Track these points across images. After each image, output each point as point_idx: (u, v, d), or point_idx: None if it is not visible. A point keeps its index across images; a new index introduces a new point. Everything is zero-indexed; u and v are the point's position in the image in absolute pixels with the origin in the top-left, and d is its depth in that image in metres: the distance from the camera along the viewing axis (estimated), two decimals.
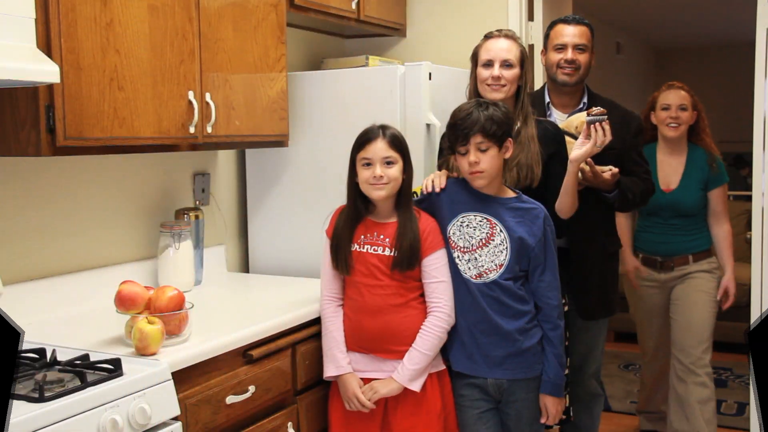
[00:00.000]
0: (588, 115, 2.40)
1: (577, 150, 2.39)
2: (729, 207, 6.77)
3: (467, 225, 2.30)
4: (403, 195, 2.29)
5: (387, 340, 2.27)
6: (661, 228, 3.46)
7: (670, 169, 3.43)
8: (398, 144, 2.27)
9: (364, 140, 2.27)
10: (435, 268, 2.28)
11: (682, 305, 3.40)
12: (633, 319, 3.74)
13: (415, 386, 2.25)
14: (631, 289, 3.65)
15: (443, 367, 2.35)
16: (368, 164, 2.25)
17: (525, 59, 2.55)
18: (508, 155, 2.29)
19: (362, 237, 2.30)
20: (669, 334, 3.48)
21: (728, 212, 3.49)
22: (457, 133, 2.25)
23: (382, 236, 2.28)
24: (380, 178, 2.23)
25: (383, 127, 2.28)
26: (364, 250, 2.29)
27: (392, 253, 2.26)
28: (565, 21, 2.89)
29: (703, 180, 3.43)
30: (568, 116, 2.90)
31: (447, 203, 2.33)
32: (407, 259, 2.25)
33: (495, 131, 2.21)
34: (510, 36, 2.56)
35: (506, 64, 2.50)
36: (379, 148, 2.24)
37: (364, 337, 2.30)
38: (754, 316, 3.47)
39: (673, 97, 3.41)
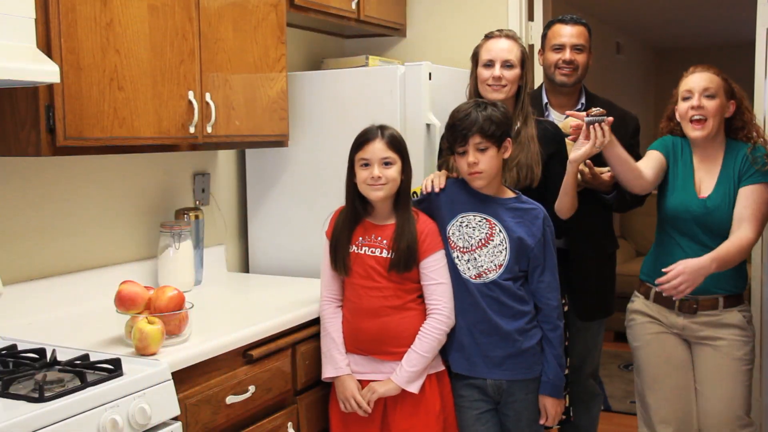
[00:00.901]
0: (587, 115, 2.34)
1: (576, 150, 2.38)
2: None
3: (466, 225, 2.30)
4: (401, 196, 2.29)
5: (385, 341, 2.27)
6: (686, 249, 2.50)
7: (702, 173, 2.57)
8: (397, 144, 2.27)
9: (362, 141, 2.27)
10: (434, 269, 2.28)
11: (711, 377, 2.55)
12: (636, 383, 2.78)
13: (413, 388, 2.25)
14: (635, 335, 2.67)
15: (442, 367, 2.34)
16: (366, 165, 2.25)
17: (525, 59, 2.55)
18: (506, 155, 2.29)
19: (360, 239, 2.30)
20: (692, 402, 2.61)
21: (762, 222, 2.48)
22: (455, 134, 2.24)
23: (379, 238, 2.28)
24: (378, 179, 2.23)
25: (382, 128, 2.28)
26: (362, 252, 2.29)
27: (389, 255, 2.25)
28: (563, 21, 2.89)
29: None
30: (566, 117, 2.90)
31: (446, 203, 2.33)
32: (404, 261, 2.24)
33: (494, 132, 2.21)
34: (511, 36, 2.56)
35: (507, 65, 2.50)
36: (378, 148, 2.24)
37: (363, 338, 2.30)
38: (755, 316, 3.47)
39: (697, 80, 2.49)
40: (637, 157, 2.90)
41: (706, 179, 2.55)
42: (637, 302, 2.67)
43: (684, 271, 2.31)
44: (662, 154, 2.62)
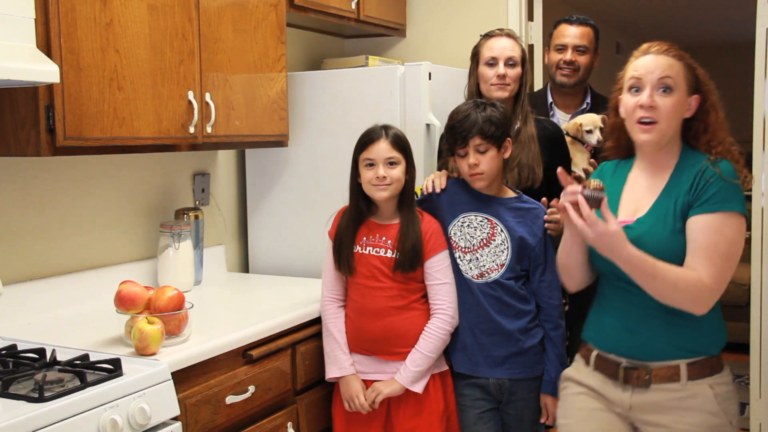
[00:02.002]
0: (584, 188, 1.77)
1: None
2: None
3: (468, 225, 2.30)
4: (405, 196, 2.29)
5: (389, 341, 2.27)
6: (626, 297, 1.87)
7: (642, 190, 1.92)
8: (401, 144, 2.27)
9: (366, 141, 2.27)
10: (438, 270, 2.28)
11: None
12: None
13: (417, 387, 2.25)
14: (565, 409, 2.03)
15: (446, 367, 2.34)
16: (371, 165, 2.25)
17: (526, 59, 2.55)
18: (507, 155, 2.29)
19: (364, 239, 2.30)
20: None
21: (720, 267, 1.75)
22: (455, 136, 2.24)
23: (384, 238, 2.28)
24: (383, 179, 2.23)
25: (386, 128, 2.28)
26: (366, 252, 2.29)
27: (394, 255, 2.25)
28: (568, 21, 2.89)
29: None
30: (572, 117, 2.89)
31: (447, 204, 2.33)
32: (409, 261, 2.24)
33: (493, 132, 2.21)
34: (511, 35, 2.55)
35: (510, 63, 2.49)
36: (382, 148, 2.24)
37: (367, 338, 2.29)
38: (754, 316, 3.48)
39: (651, 65, 1.85)
40: None
41: (645, 197, 1.89)
42: (574, 367, 2.03)
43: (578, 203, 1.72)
44: None
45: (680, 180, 1.83)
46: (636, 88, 1.85)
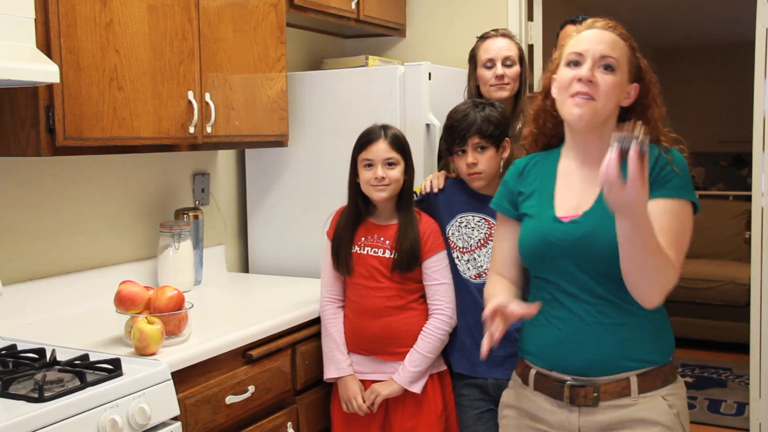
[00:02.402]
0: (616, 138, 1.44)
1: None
2: (727, 208, 6.64)
3: (466, 225, 2.30)
4: (404, 196, 2.29)
5: (387, 342, 2.27)
6: (569, 305, 1.70)
7: (580, 183, 1.74)
8: (400, 145, 2.27)
9: (365, 141, 2.27)
10: (436, 270, 2.28)
11: None
12: None
13: (416, 388, 2.25)
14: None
15: (444, 367, 2.34)
16: (370, 165, 2.25)
17: (523, 57, 2.55)
18: (506, 155, 2.29)
19: (363, 239, 2.30)
20: None
21: (681, 253, 1.61)
22: (454, 135, 2.25)
23: (382, 238, 2.28)
24: (382, 180, 2.23)
25: (385, 128, 2.28)
26: (365, 252, 2.29)
27: (392, 255, 2.25)
28: (574, 22, 2.89)
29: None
30: None
31: (445, 204, 2.33)
32: (407, 261, 2.24)
33: (492, 132, 2.22)
34: (507, 35, 2.56)
35: (507, 62, 2.49)
36: (381, 149, 2.24)
37: (365, 338, 2.29)
38: (754, 316, 3.48)
39: (594, 39, 1.67)
40: None
41: (586, 190, 1.70)
42: (512, 388, 1.85)
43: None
44: (510, 217, 1.84)
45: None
46: (576, 62, 1.66)
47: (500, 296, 1.69)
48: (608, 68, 1.64)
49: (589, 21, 1.72)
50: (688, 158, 1.70)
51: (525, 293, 1.85)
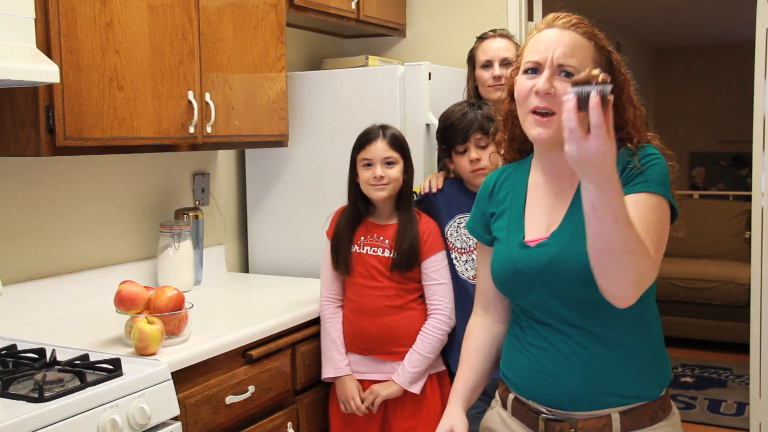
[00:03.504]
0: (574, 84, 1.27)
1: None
2: (727, 208, 6.62)
3: (464, 226, 2.30)
4: (403, 195, 2.29)
5: (386, 341, 2.27)
6: (548, 336, 1.54)
7: (551, 200, 1.56)
8: (399, 144, 2.27)
9: (364, 140, 2.27)
10: (435, 270, 2.28)
11: None
12: None
13: (415, 388, 2.25)
14: None
15: (443, 368, 2.35)
16: (369, 165, 2.25)
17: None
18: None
19: (362, 238, 2.30)
20: None
21: (659, 247, 1.40)
22: (455, 133, 2.25)
23: (381, 238, 2.28)
24: (381, 179, 2.23)
25: (384, 128, 2.28)
26: (364, 252, 2.29)
27: (391, 255, 2.26)
28: None
29: None
30: None
31: (444, 204, 2.34)
32: (406, 260, 2.24)
33: (491, 128, 2.24)
34: (505, 35, 2.56)
35: (505, 63, 2.50)
36: (380, 148, 2.24)
37: (364, 338, 2.30)
38: (754, 316, 3.48)
39: (553, 41, 1.49)
40: None
41: (556, 207, 1.54)
42: (494, 409, 1.73)
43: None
44: (484, 243, 1.69)
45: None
46: (533, 69, 1.49)
47: (452, 412, 1.70)
48: (569, 76, 1.45)
49: (550, 17, 1.54)
50: (671, 159, 1.51)
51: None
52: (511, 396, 1.62)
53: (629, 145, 1.50)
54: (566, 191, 1.51)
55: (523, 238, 1.55)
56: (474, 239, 2.25)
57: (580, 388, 1.49)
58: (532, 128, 1.49)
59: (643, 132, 1.53)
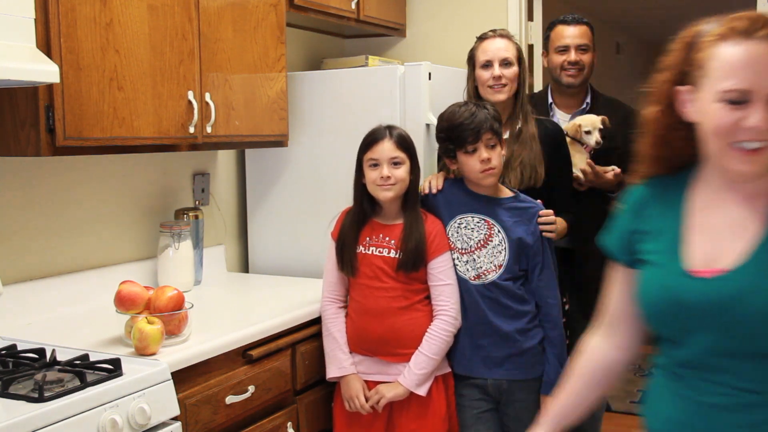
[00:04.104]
0: None
1: None
2: None
3: (465, 226, 2.30)
4: (410, 196, 2.29)
5: (392, 343, 2.27)
6: (690, 396, 1.33)
7: (720, 222, 1.35)
8: (405, 144, 2.27)
9: (371, 141, 2.27)
10: (441, 270, 2.27)
11: None
12: None
13: (422, 391, 2.24)
14: None
15: (448, 369, 2.33)
16: (375, 165, 2.25)
17: (522, 57, 2.55)
18: (503, 153, 2.30)
19: (367, 239, 2.30)
20: None
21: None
22: (464, 133, 2.23)
23: (387, 238, 2.28)
24: (388, 179, 2.23)
25: (390, 128, 2.28)
26: (369, 252, 2.29)
27: (397, 255, 2.25)
28: (565, 22, 2.88)
29: None
30: (572, 117, 2.89)
31: (444, 205, 2.33)
32: (412, 261, 2.24)
33: (498, 128, 2.25)
34: (505, 35, 2.56)
35: (505, 63, 2.49)
36: (387, 148, 2.24)
37: (369, 339, 2.29)
38: None
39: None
40: None
41: (735, 234, 1.32)
42: None
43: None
44: (623, 263, 1.51)
45: None
46: (741, 102, 1.24)
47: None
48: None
49: (737, 23, 1.28)
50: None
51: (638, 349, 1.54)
52: None
53: None
54: (751, 217, 1.30)
55: (685, 265, 1.33)
56: (475, 239, 2.26)
57: None
58: (738, 164, 1.27)
59: None
